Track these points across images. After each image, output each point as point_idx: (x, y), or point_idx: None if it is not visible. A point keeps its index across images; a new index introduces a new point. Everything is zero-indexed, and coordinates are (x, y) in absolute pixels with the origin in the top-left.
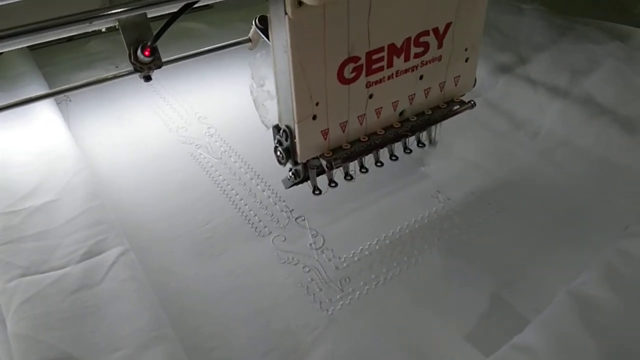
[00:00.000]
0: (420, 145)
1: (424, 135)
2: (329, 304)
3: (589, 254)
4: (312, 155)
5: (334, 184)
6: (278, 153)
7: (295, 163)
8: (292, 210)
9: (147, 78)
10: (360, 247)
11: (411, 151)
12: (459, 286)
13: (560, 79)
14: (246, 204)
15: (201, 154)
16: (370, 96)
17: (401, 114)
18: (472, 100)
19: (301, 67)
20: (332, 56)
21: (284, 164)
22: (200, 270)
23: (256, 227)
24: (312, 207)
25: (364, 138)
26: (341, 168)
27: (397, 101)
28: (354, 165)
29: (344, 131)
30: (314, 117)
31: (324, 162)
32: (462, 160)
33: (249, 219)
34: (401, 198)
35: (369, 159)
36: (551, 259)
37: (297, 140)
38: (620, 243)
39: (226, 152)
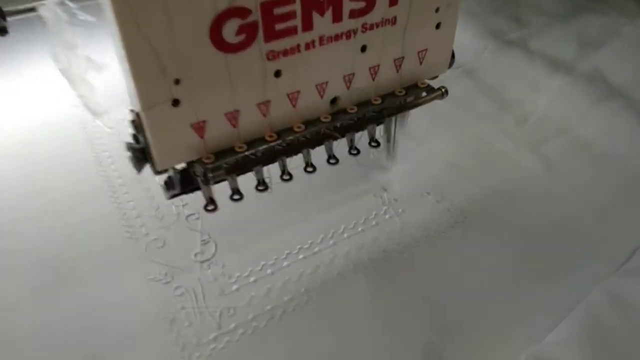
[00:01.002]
0: (372, 145)
1: (380, 130)
2: (195, 348)
3: (574, 293)
4: (178, 161)
5: (237, 197)
6: (130, 154)
7: (158, 171)
8: (186, 204)
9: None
10: (262, 263)
11: (358, 152)
12: (383, 333)
13: (564, 50)
14: (127, 192)
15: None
16: (277, 74)
17: (333, 102)
18: (442, 88)
19: (133, 17)
20: (196, 3)
21: (139, 171)
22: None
23: (130, 225)
24: None
25: (270, 136)
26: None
27: (325, 83)
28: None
29: (234, 125)
30: (175, 103)
31: (199, 172)
32: (423, 148)
33: (124, 212)
34: (331, 194)
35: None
36: (519, 301)
37: (148, 137)
38: (613, 282)
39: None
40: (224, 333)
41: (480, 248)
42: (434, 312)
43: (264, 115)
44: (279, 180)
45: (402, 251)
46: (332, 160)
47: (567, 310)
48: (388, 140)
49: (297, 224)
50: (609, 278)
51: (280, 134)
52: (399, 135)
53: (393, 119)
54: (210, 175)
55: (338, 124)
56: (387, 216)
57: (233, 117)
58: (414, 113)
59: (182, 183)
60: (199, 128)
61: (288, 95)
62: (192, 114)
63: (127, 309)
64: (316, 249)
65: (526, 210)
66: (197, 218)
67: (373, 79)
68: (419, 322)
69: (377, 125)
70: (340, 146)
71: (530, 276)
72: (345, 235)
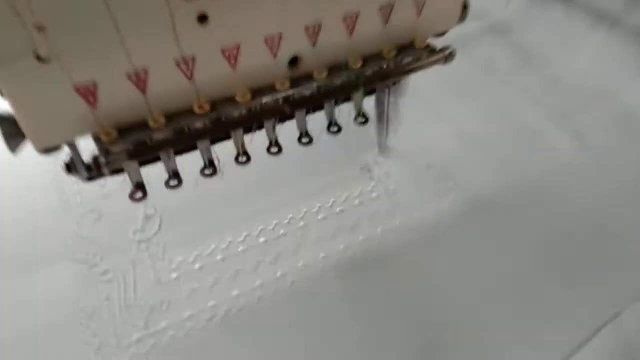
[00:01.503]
0: (359, 121)
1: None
2: (112, 352)
3: (602, 310)
4: (63, 138)
5: (175, 182)
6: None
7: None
8: None
9: None
10: (213, 247)
11: (340, 129)
12: (355, 349)
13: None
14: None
15: None
16: (202, 19)
17: (293, 63)
18: (446, 49)
19: None
20: None
21: (13, 150)
22: None
23: (63, 192)
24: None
25: (200, 108)
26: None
27: (279, 37)
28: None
29: (142, 91)
30: (40, 58)
31: (99, 154)
32: (429, 113)
33: (57, 174)
34: (310, 164)
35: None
36: (529, 317)
37: (10, 104)
38: None
39: None
40: (150, 334)
41: (487, 244)
42: (419, 327)
43: (188, 77)
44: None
45: (386, 242)
46: (304, 140)
47: (593, 331)
48: (380, 117)
49: (262, 200)
50: None
51: (215, 105)
52: (393, 111)
53: (386, 88)
54: (103, 160)
55: (305, 94)
56: (374, 194)
57: (139, 79)
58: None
59: (91, 165)
60: (88, 93)
61: (223, 51)
62: (72, 74)
63: (39, 296)
64: (281, 232)
65: (550, 198)
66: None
67: (350, 34)
68: (400, 338)
69: (366, 96)
70: (318, 121)
71: (548, 285)
72: (319, 216)
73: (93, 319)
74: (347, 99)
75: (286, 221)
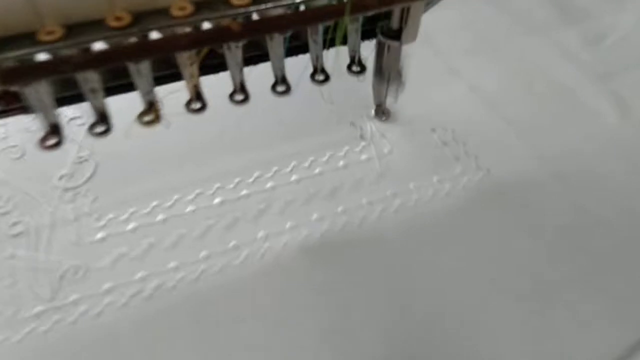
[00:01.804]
0: (355, 68)
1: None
2: (4, 326)
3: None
4: None
5: (101, 128)
6: None
7: None
8: None
9: None
10: (153, 204)
11: (327, 78)
12: (319, 338)
13: None
14: None
15: None
16: None
17: None
18: None
19: None
20: None
21: None
22: None
23: None
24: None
25: (117, 20)
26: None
27: None
28: None
29: None
30: None
31: None
32: (439, 67)
33: None
34: (286, 119)
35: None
36: (540, 329)
37: None
38: None
39: None
40: (55, 308)
41: (498, 231)
42: (402, 334)
43: None
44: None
45: (371, 217)
46: (279, 88)
47: (626, 350)
48: (379, 69)
49: (223, 157)
50: None
51: (139, 18)
52: (397, 62)
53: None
54: None
55: (272, 14)
56: (363, 157)
57: None
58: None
59: None
60: None
61: None
62: None
63: None
64: (243, 192)
65: (580, 177)
66: (83, 124)
67: None
68: (379, 338)
69: (364, 39)
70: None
71: (570, 288)
72: (293, 176)
73: None
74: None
75: (250, 180)
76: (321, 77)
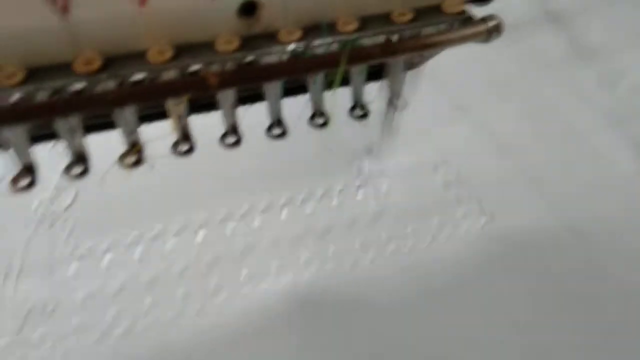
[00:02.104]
0: (358, 112)
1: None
2: None
3: None
4: None
5: (78, 169)
6: None
7: None
8: None
9: None
10: (134, 234)
11: (326, 122)
12: None
13: None
14: None
15: None
16: None
17: (247, 11)
18: (492, 17)
19: None
20: None
21: None
22: None
23: None
24: None
25: (87, 64)
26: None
27: None
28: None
29: None
30: None
31: None
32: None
33: None
34: (280, 160)
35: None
36: None
37: None
38: None
39: None
40: (20, 342)
41: (499, 284)
42: None
43: (62, 12)
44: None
45: (363, 264)
46: (275, 130)
47: None
48: (386, 110)
49: (209, 189)
50: None
51: (111, 62)
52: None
53: (397, 69)
54: None
55: (264, 63)
56: (359, 195)
57: None
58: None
59: None
60: None
61: None
62: None
63: None
64: (227, 230)
65: (592, 229)
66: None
67: None
68: None
69: (370, 79)
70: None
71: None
72: (283, 214)
73: None
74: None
75: (237, 215)
76: (320, 121)
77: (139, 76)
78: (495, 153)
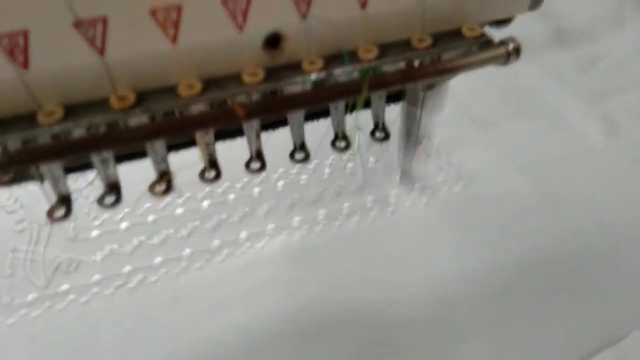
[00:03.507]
0: (379, 135)
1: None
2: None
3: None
4: None
5: (111, 199)
6: None
7: None
8: None
9: None
10: (147, 205)
11: (348, 145)
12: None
13: None
14: None
15: None
16: None
17: (272, 43)
18: (512, 39)
19: None
20: None
21: None
22: None
23: None
24: None
25: (121, 99)
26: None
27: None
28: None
29: (23, 66)
30: None
31: None
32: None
33: None
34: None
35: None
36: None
37: None
38: None
39: None
40: (48, 296)
41: (482, 239)
42: (368, 324)
43: (100, 53)
44: None
45: (345, 225)
46: (298, 155)
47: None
48: (406, 134)
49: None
50: None
51: (144, 97)
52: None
53: (417, 93)
54: None
55: (288, 93)
56: (347, 169)
57: (13, 44)
58: None
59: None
60: None
61: (152, 12)
62: None
63: None
64: (230, 197)
65: (563, 195)
66: None
67: (361, 5)
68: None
69: (390, 102)
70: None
71: (537, 301)
72: (278, 185)
73: None
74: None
75: (238, 188)
76: (342, 144)
77: (169, 110)
78: (476, 129)
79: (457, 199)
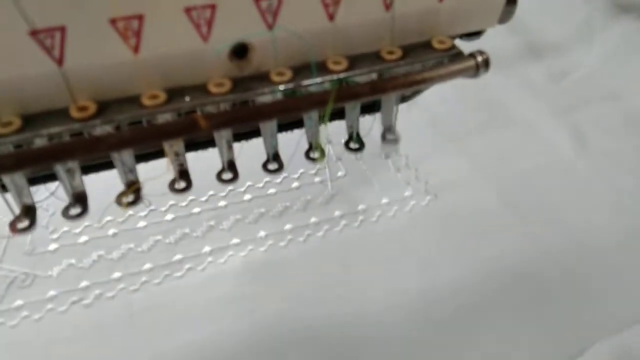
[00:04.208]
0: (353, 145)
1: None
2: None
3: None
4: None
5: (77, 210)
6: None
7: None
8: None
9: None
10: (110, 217)
11: (322, 154)
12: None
13: None
14: None
15: None
16: None
17: (239, 54)
18: (479, 54)
19: None
20: None
21: None
22: None
23: None
24: None
25: (82, 109)
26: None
27: (211, 7)
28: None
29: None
30: None
31: None
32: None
33: None
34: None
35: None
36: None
37: None
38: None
39: None
40: (0, 312)
41: (437, 249)
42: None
43: (58, 63)
44: None
45: (311, 237)
46: (271, 166)
47: None
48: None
49: None
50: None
51: (105, 107)
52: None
53: (389, 103)
54: None
55: (255, 104)
56: (315, 179)
57: None
58: None
59: None
60: None
61: (112, 21)
62: None
63: None
64: (194, 210)
65: (532, 207)
66: None
67: (329, 16)
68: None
69: (362, 113)
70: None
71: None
72: (245, 196)
73: None
74: (338, 114)
75: (204, 198)
76: (316, 155)
77: (132, 121)
78: (444, 140)
79: (426, 212)
